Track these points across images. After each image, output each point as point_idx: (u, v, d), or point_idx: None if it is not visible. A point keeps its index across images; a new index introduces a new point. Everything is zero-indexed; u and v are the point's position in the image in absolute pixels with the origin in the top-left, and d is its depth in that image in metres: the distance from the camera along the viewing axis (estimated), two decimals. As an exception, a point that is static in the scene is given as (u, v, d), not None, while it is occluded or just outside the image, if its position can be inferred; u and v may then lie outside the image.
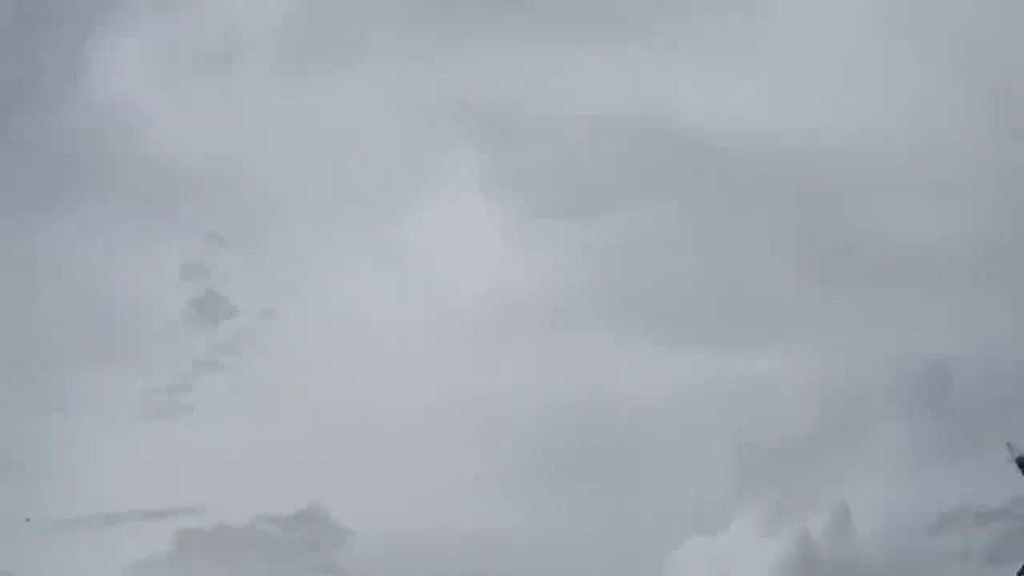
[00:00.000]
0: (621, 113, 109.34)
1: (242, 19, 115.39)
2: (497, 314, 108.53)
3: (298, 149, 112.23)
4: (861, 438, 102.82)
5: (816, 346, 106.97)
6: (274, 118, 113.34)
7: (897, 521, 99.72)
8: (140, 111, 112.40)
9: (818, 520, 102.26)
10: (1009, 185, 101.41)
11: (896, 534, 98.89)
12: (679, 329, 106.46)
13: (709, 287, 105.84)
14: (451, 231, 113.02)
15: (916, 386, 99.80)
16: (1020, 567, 22.48)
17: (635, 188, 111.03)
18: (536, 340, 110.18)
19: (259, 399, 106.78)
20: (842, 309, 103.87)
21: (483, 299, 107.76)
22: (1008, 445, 24.18)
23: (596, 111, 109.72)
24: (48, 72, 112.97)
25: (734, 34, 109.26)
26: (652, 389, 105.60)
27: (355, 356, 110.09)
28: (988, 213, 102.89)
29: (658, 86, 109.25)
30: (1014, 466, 24.21)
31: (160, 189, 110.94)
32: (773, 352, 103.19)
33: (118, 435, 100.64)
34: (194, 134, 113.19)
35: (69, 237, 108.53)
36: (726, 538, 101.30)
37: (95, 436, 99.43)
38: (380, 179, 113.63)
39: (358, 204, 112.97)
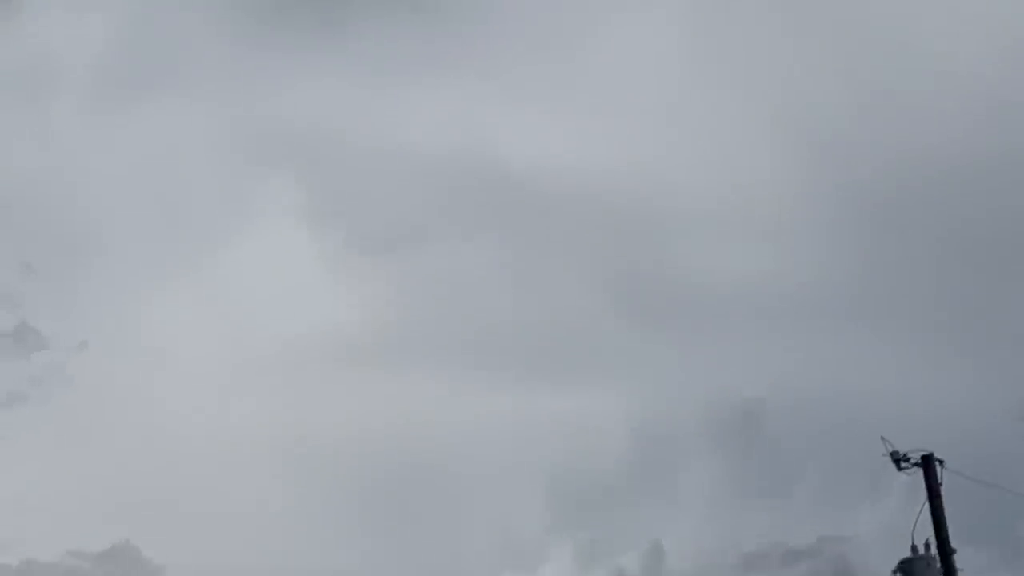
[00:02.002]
0: (441, 147, 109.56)
1: (59, 42, 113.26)
2: (314, 348, 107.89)
3: (114, 178, 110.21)
4: (674, 476, 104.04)
5: (631, 384, 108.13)
6: (90, 144, 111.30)
7: (708, 559, 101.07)
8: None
9: (631, 558, 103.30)
10: (819, 228, 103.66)
11: (707, 572, 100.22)
12: (496, 366, 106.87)
13: (527, 324, 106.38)
14: (269, 263, 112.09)
15: (729, 425, 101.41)
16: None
17: (455, 223, 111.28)
18: (354, 375, 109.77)
19: (70, 433, 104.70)
20: (658, 348, 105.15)
21: (301, 333, 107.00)
22: (882, 439, 24.60)
23: (416, 145, 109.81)
24: None
25: (552, 73, 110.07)
26: (468, 426, 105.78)
27: (168, 390, 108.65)
28: (800, 254, 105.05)
29: (476, 122, 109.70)
30: (888, 460, 24.62)
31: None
32: (588, 390, 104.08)
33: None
34: (6, 159, 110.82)
35: None
36: (540, 575, 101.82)
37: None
38: (198, 209, 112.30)
39: (175, 235, 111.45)
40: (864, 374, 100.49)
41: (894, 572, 25.54)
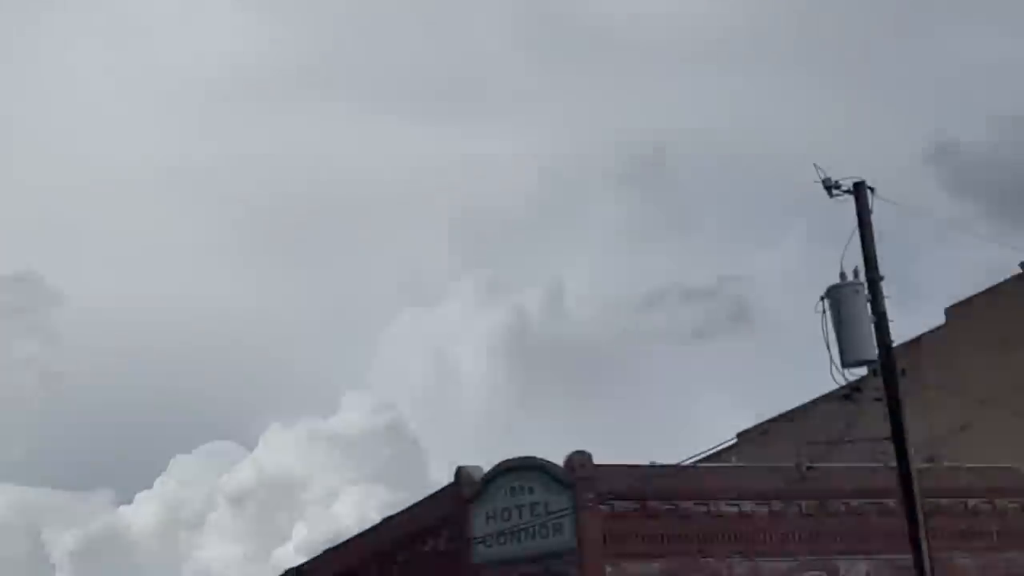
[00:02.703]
0: None
1: None
2: (221, 81, 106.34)
3: None
4: (578, 217, 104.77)
5: (538, 125, 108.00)
6: None
7: (608, 298, 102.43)
8: None
9: (532, 296, 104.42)
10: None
11: (607, 310, 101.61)
12: (404, 104, 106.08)
13: (437, 63, 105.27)
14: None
15: (633, 166, 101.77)
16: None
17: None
18: (261, 109, 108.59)
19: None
20: (565, 89, 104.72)
21: (206, 65, 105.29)
22: (815, 166, 24.36)
23: None
24: None
25: None
26: (374, 163, 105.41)
27: (71, 120, 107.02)
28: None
29: None
30: (820, 187, 24.51)
31: None
32: (495, 130, 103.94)
33: None
34: None
35: None
36: (441, 311, 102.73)
37: None
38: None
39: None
40: (771, 116, 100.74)
41: (822, 298, 25.39)
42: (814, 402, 34.83)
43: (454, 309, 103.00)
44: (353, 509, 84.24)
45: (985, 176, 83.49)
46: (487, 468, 33.77)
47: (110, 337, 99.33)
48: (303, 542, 77.77)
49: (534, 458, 33.43)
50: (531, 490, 33.08)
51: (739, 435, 43.10)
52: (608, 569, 32.83)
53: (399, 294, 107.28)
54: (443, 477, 34.96)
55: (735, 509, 34.46)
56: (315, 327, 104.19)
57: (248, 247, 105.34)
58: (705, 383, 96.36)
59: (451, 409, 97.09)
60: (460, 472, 33.91)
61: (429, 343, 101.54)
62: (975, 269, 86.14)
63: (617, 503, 33.17)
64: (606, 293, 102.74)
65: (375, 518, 39.59)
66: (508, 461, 33.56)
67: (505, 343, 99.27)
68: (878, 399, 25.51)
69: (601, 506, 32.80)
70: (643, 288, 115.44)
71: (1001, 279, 42.76)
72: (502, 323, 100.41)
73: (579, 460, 33.19)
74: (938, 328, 43.14)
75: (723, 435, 55.46)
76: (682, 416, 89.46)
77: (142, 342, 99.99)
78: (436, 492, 35.32)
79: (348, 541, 39.37)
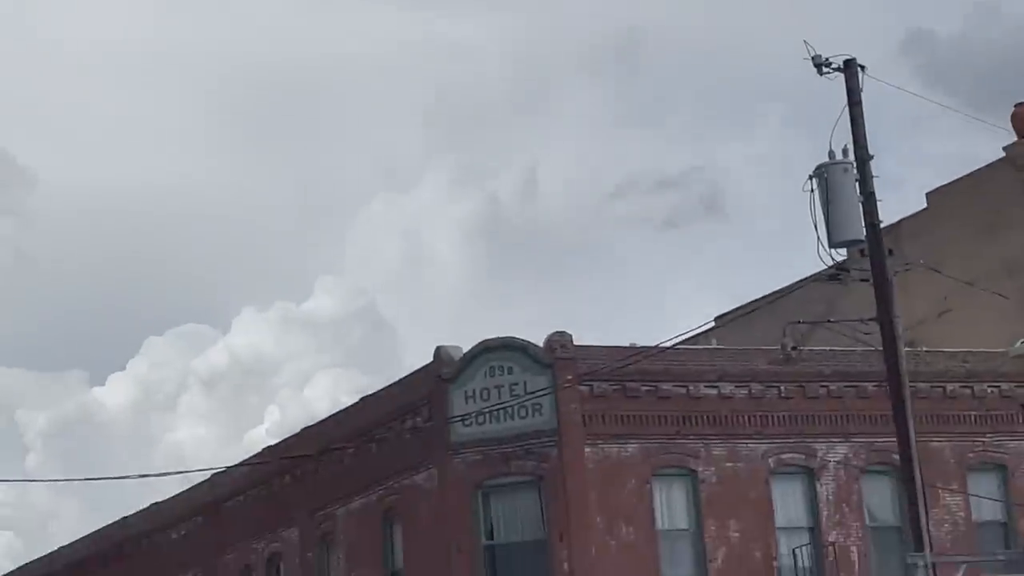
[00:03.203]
0: None
1: None
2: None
3: None
4: (551, 103, 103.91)
5: (512, 11, 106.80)
6: None
7: (581, 185, 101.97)
8: None
9: (506, 182, 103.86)
10: None
11: (579, 197, 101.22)
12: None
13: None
14: None
15: (608, 54, 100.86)
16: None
17: None
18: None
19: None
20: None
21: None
22: (805, 43, 24.06)
23: None
24: None
25: None
26: (347, 47, 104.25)
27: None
28: None
29: None
30: (810, 64, 24.23)
31: None
32: (470, 14, 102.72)
33: None
34: None
35: None
36: (415, 197, 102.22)
37: None
38: None
39: None
40: (746, 4, 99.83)
41: (810, 177, 25.16)
42: (794, 286, 34.62)
43: (427, 194, 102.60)
44: (326, 393, 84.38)
45: (958, 67, 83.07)
46: (466, 349, 33.55)
47: (84, 218, 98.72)
48: (275, 425, 77.90)
49: (514, 338, 33.21)
50: (510, 370, 32.88)
51: (717, 319, 42.93)
52: (587, 449, 32.78)
53: (372, 179, 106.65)
54: (416, 362, 34.79)
55: (715, 391, 34.39)
56: (288, 211, 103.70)
57: (225, 130, 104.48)
58: (681, 269, 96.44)
59: (425, 294, 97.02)
60: (439, 351, 33.66)
61: (403, 228, 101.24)
62: (952, 159, 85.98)
63: (596, 384, 33.04)
64: (579, 180, 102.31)
65: (348, 402, 39.33)
66: (487, 341, 33.32)
67: (479, 228, 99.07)
68: (864, 280, 25.35)
69: (580, 387, 32.66)
70: (616, 176, 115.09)
71: (978, 167, 42.51)
72: (476, 209, 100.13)
73: (559, 340, 33.02)
74: (920, 212, 42.93)
75: (700, 320, 55.32)
76: (659, 301, 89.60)
77: (116, 224, 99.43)
78: (415, 371, 35.08)
79: (324, 420, 39.16)
